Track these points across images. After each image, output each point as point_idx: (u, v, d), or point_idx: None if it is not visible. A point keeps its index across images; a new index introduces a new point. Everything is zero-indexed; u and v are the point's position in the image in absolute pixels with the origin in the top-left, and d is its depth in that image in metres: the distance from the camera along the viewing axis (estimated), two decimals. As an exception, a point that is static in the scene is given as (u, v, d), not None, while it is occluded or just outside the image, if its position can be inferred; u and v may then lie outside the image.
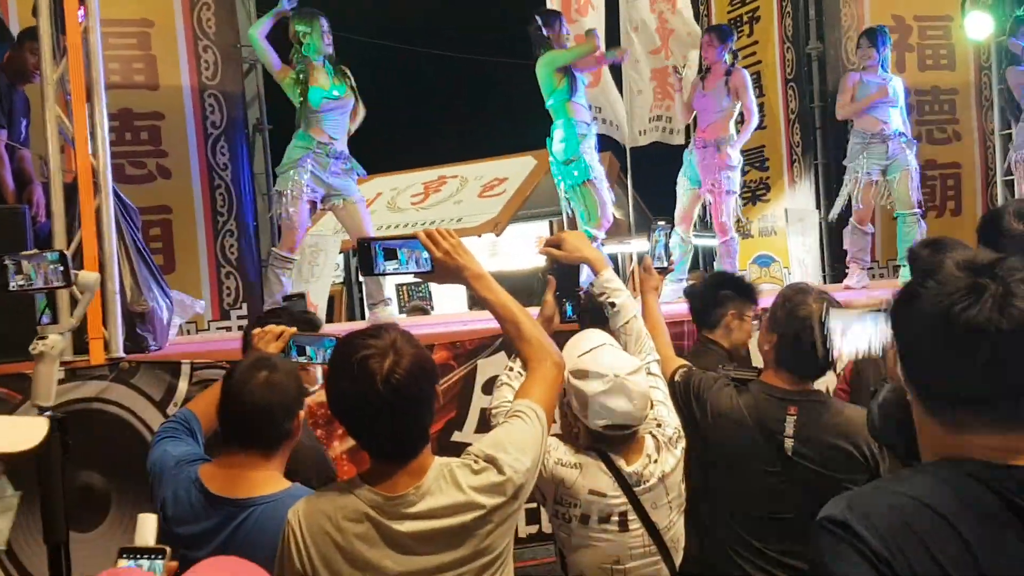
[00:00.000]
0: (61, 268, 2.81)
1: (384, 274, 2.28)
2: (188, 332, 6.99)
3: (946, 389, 1.30)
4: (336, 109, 5.87)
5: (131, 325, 4.53)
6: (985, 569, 1.22)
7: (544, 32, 6.18)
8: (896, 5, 8.77)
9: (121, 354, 4.42)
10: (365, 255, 2.25)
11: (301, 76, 5.79)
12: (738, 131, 7.03)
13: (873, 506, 1.28)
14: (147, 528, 1.91)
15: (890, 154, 6.73)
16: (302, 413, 2.50)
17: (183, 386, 4.42)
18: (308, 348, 2.84)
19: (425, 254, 2.23)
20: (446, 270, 2.23)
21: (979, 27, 7.65)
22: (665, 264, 3.23)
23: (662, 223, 3.28)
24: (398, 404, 1.93)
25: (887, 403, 2.39)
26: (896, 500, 1.28)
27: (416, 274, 2.29)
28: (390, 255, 2.24)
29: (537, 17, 6.27)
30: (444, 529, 1.96)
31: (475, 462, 2.03)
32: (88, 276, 3.32)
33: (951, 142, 9.17)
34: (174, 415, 2.84)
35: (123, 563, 1.75)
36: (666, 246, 3.26)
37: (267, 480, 2.36)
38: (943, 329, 1.26)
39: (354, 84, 6.02)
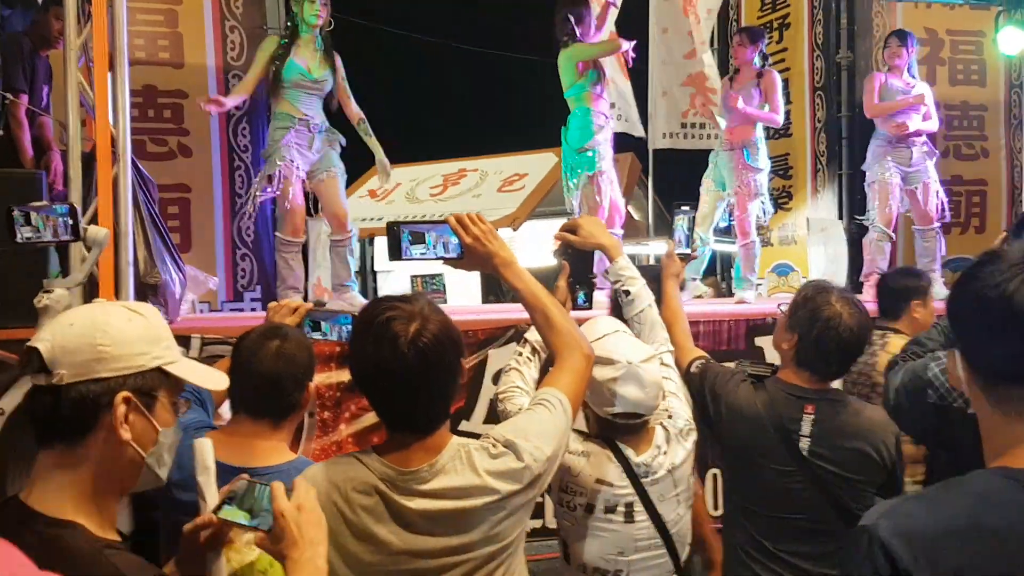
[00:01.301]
0: (71, 222, 2.77)
1: (412, 259, 2.23)
2: (201, 311, 6.97)
3: (1007, 368, 1.25)
4: (309, 90, 5.82)
5: (142, 297, 4.50)
6: None
7: (576, 28, 6.11)
8: (929, 18, 8.67)
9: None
10: (393, 239, 2.21)
11: (282, 44, 5.75)
12: (765, 136, 6.96)
13: (910, 516, 1.24)
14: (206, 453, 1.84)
15: (913, 162, 6.65)
16: (312, 385, 2.46)
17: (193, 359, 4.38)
18: (323, 324, 2.81)
19: (454, 240, 2.18)
20: (476, 256, 2.18)
21: (1012, 43, 7.54)
22: (687, 251, 3.16)
23: (686, 208, 3.20)
24: (422, 370, 1.86)
25: (903, 388, 2.34)
26: (939, 511, 1.24)
27: (445, 260, 2.23)
28: (417, 239, 2.20)
29: (570, 14, 6.18)
30: (454, 511, 1.90)
31: (494, 446, 1.97)
32: (98, 231, 3.27)
33: (978, 159, 9.06)
34: (186, 387, 2.81)
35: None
36: (690, 231, 3.19)
37: (273, 450, 2.33)
38: (1000, 304, 1.23)
39: (343, 76, 5.95)
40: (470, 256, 2.19)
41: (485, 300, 9.73)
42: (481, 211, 7.94)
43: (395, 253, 2.21)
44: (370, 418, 4.51)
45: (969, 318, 1.30)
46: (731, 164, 6.58)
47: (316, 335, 2.80)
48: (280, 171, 5.66)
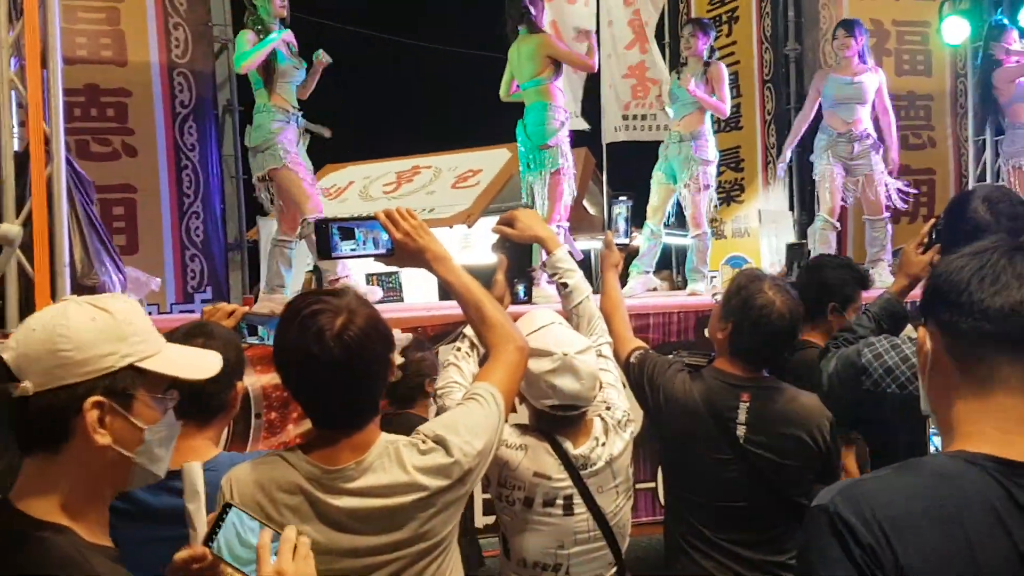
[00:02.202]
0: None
1: (342, 257, 2.19)
2: (150, 313, 6.87)
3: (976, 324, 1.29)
4: (294, 81, 5.78)
5: (81, 299, 4.40)
6: (982, 566, 1.18)
7: (532, 13, 6.06)
8: (875, 9, 8.76)
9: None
10: (322, 237, 2.16)
11: (261, 38, 5.67)
12: (715, 128, 6.98)
13: (868, 494, 1.25)
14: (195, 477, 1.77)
15: (855, 154, 6.72)
16: (240, 384, 2.41)
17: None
18: (260, 327, 2.77)
19: (384, 236, 2.14)
20: (406, 252, 2.15)
21: (956, 32, 7.65)
22: (626, 240, 3.15)
23: (623, 198, 3.20)
24: (348, 364, 1.83)
25: (836, 374, 2.35)
26: (896, 489, 1.25)
27: (376, 256, 2.20)
28: (347, 235, 2.16)
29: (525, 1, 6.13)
30: (382, 509, 1.87)
31: (423, 442, 1.94)
32: (9, 229, 3.17)
33: (926, 148, 9.17)
34: None
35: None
36: (627, 220, 3.18)
37: (195, 450, 2.28)
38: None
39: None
40: (401, 252, 2.16)
41: (442, 297, 9.70)
42: (436, 207, 7.89)
43: (324, 251, 2.18)
44: (318, 418, 4.47)
45: (947, 272, 1.34)
46: (681, 156, 6.59)
47: (253, 339, 2.76)
48: (286, 165, 5.57)
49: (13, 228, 3.19)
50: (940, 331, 1.35)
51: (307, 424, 4.61)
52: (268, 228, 7.32)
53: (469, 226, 9.68)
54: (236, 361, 2.40)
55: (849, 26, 6.84)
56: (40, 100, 4.22)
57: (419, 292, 8.73)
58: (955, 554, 1.19)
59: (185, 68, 7.67)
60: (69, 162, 4.40)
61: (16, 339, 1.51)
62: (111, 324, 1.53)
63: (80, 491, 1.51)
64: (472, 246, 10.01)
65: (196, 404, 2.31)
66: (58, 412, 1.47)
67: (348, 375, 1.85)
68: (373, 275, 7.57)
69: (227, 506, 1.60)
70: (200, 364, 1.68)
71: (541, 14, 6.19)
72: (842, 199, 6.86)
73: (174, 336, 2.38)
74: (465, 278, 2.18)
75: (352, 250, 2.16)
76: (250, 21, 5.77)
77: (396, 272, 9.35)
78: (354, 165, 11.82)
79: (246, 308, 2.78)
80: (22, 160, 4.30)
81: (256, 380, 4.36)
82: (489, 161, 10.79)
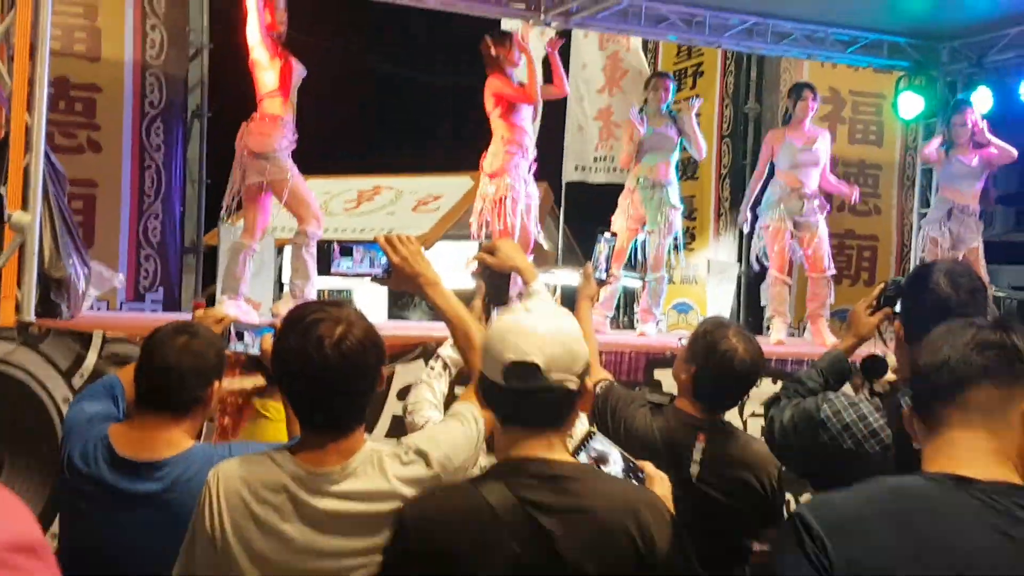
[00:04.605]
0: (-7, 206, 2.76)
1: (339, 274, 2.31)
2: (98, 309, 6.82)
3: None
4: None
5: (45, 290, 4.43)
6: (928, 563, 1.39)
7: (494, 52, 6.26)
8: (834, 77, 9.10)
9: (32, 319, 4.32)
10: (323, 255, 2.29)
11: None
12: (680, 176, 7.19)
13: (829, 500, 1.50)
14: None
15: (804, 212, 6.89)
16: (217, 383, 2.49)
17: (92, 357, 4.33)
18: (246, 335, 2.86)
19: (383, 258, 2.26)
20: (402, 276, 2.27)
21: (910, 107, 7.98)
22: (604, 276, 3.27)
23: (608, 234, 3.30)
24: (343, 372, 1.93)
25: (792, 426, 2.49)
26: (854, 498, 1.48)
27: (372, 278, 2.32)
28: (346, 253, 2.27)
29: (488, 38, 6.34)
30: (361, 514, 1.96)
31: (406, 453, 2.03)
32: (23, 216, 3.23)
33: (871, 215, 9.53)
34: (101, 380, 2.83)
35: None
36: (608, 258, 3.29)
37: (171, 441, 2.36)
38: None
39: None
40: (397, 275, 2.27)
41: (390, 316, 9.78)
42: (394, 228, 7.93)
43: (324, 268, 2.30)
44: (271, 426, 4.51)
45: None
46: (654, 201, 6.73)
47: (238, 346, 2.84)
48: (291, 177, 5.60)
49: (26, 216, 3.24)
50: (909, 398, 1.65)
51: (259, 432, 4.65)
52: (231, 233, 7.32)
53: (426, 249, 9.77)
54: (215, 361, 2.50)
55: (813, 89, 7.07)
56: (25, 91, 4.26)
57: (370, 311, 8.81)
58: (902, 551, 1.40)
59: (158, 69, 7.70)
60: (47, 154, 4.43)
61: None
62: None
63: None
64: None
65: (173, 397, 2.40)
66: None
67: (342, 382, 1.95)
68: (323, 291, 7.62)
69: None
70: None
71: (510, 54, 6.29)
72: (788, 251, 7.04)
73: (159, 333, 2.47)
74: (455, 304, 2.30)
75: (349, 268, 2.27)
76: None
77: (348, 289, 9.41)
78: (316, 178, 11.85)
79: (235, 316, 2.86)
80: (0, 148, 4.32)
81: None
82: (451, 187, 10.93)
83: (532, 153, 6.50)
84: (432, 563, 1.80)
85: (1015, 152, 7.27)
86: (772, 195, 6.94)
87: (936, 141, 7.50)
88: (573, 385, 1.86)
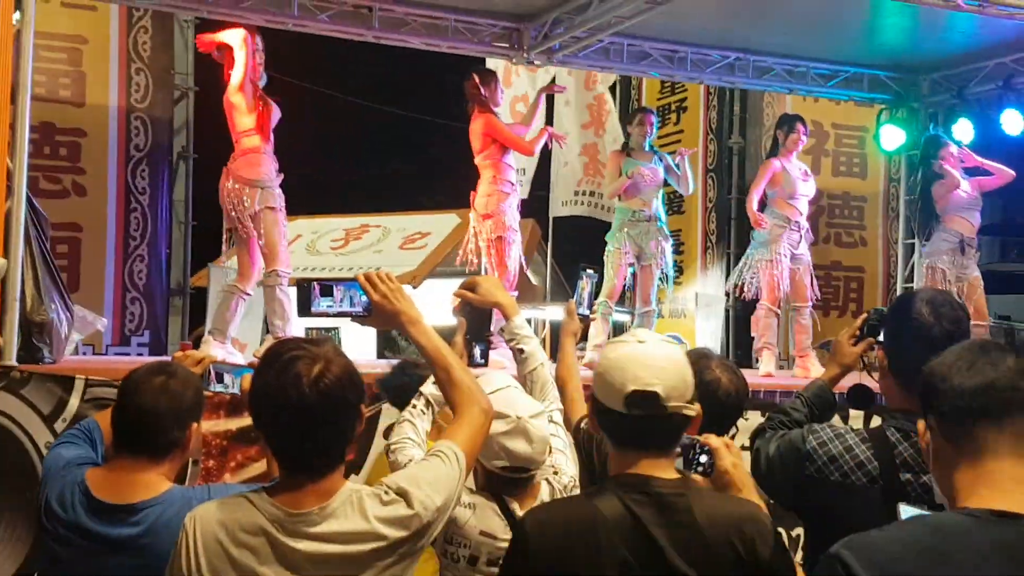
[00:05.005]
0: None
1: (320, 314, 2.28)
2: (84, 354, 6.78)
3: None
4: None
5: (27, 334, 4.40)
6: None
7: (481, 91, 6.32)
8: (816, 111, 9.18)
9: (13, 363, 4.28)
10: (303, 294, 2.26)
11: None
12: (667, 211, 7.22)
13: (869, 541, 1.43)
14: None
15: (799, 244, 6.96)
16: (195, 425, 2.46)
17: (74, 402, 4.29)
18: (226, 376, 2.84)
19: (363, 297, 2.24)
20: (384, 313, 2.24)
21: (892, 140, 8.04)
22: (587, 312, 3.26)
23: (591, 270, 3.30)
24: (321, 411, 1.90)
25: (778, 457, 2.47)
26: (895, 538, 1.43)
27: (353, 317, 2.28)
28: (326, 292, 2.25)
29: (475, 75, 6.41)
30: (341, 555, 1.93)
31: (386, 493, 2.00)
32: (1, 262, 3.21)
33: (857, 246, 9.59)
34: (79, 424, 2.80)
35: None
36: (591, 294, 3.28)
37: (148, 484, 2.33)
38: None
39: None
40: (378, 313, 2.25)
41: (380, 355, 9.73)
42: (381, 266, 7.93)
43: (305, 308, 2.26)
44: (256, 468, 4.47)
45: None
46: (649, 235, 6.75)
47: (218, 387, 2.82)
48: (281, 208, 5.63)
49: (3, 261, 3.22)
50: (934, 419, 1.56)
51: (245, 473, 4.61)
52: (219, 275, 7.30)
53: (415, 287, 9.79)
54: (193, 402, 2.47)
55: (804, 122, 7.12)
56: (7, 135, 4.26)
57: (358, 350, 8.77)
58: None
59: (143, 113, 7.73)
60: (29, 198, 4.42)
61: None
62: None
63: None
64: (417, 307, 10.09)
65: (149, 439, 2.37)
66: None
67: (321, 421, 1.93)
68: (312, 329, 7.60)
69: None
70: None
71: (494, 94, 6.38)
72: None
73: (136, 374, 2.45)
74: (436, 341, 2.28)
75: (329, 306, 2.26)
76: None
77: (336, 328, 9.37)
78: (303, 219, 11.89)
79: (215, 357, 2.84)
80: (-19, 192, 4.32)
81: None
82: (438, 225, 10.96)
83: (519, 190, 6.56)
84: (549, 564, 1.91)
85: (1012, 171, 7.35)
86: (774, 228, 6.93)
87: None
88: (690, 412, 1.99)
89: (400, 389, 2.92)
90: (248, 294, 5.74)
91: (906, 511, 1.77)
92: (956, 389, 1.52)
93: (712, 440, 2.14)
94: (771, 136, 9.16)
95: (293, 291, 5.84)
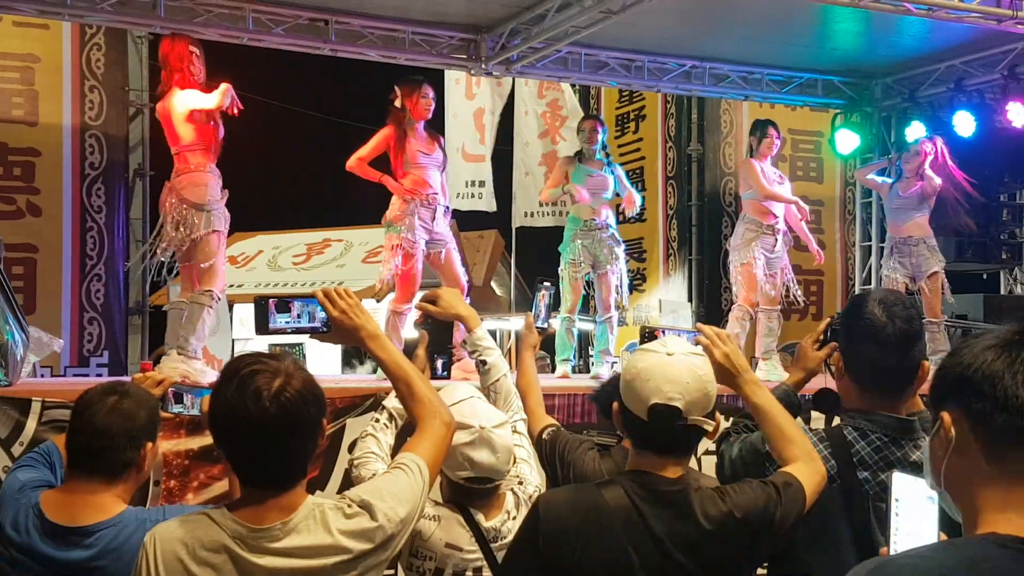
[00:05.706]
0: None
1: (278, 331, 2.25)
2: (42, 375, 6.68)
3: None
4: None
5: (-19, 357, 4.32)
6: None
7: (395, 106, 6.08)
8: (772, 117, 9.15)
9: (-33, 387, 4.20)
10: (260, 312, 2.23)
11: None
12: (618, 220, 7.21)
13: (897, 570, 1.30)
14: None
15: (776, 248, 6.96)
16: (150, 445, 2.42)
17: (31, 425, 4.22)
18: (186, 396, 2.81)
19: (321, 313, 2.22)
20: (343, 330, 2.22)
21: (846, 144, 8.15)
22: (544, 326, 3.26)
23: (547, 283, 3.30)
24: (282, 426, 1.89)
25: (740, 460, 2.49)
26: (922, 569, 1.29)
27: (312, 333, 2.26)
28: (283, 309, 2.23)
29: (397, 87, 6.13)
30: (304, 570, 1.91)
31: (349, 506, 1.99)
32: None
33: (816, 250, 9.67)
34: (37, 447, 2.74)
35: None
36: (548, 306, 3.28)
37: (103, 506, 2.29)
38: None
39: None
40: (337, 329, 2.23)
41: (343, 370, 9.68)
42: (344, 281, 7.84)
43: (262, 327, 2.23)
44: (219, 487, 4.41)
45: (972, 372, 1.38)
46: (603, 243, 6.74)
47: (178, 407, 2.79)
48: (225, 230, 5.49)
49: None
50: (970, 420, 1.38)
51: (207, 493, 4.55)
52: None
53: (378, 301, 9.74)
54: (147, 421, 2.43)
55: (776, 126, 7.09)
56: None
57: (323, 365, 8.71)
58: None
59: (98, 131, 7.64)
60: (-20, 218, 4.35)
61: None
62: None
63: None
64: (379, 320, 10.04)
65: (103, 460, 2.33)
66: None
67: (282, 436, 1.91)
68: (276, 346, 7.52)
69: None
70: None
71: (416, 104, 6.07)
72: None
73: (90, 393, 2.41)
74: (396, 355, 2.27)
75: (287, 323, 2.23)
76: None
77: (300, 344, 9.30)
78: (264, 234, 11.80)
79: (175, 378, 2.81)
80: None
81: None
82: (400, 239, 10.93)
83: (442, 200, 6.31)
84: (556, 543, 2.06)
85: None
86: (747, 233, 6.93)
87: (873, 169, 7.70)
88: (708, 427, 2.10)
89: None
90: (216, 302, 5.54)
91: (899, 478, 1.65)
92: (1011, 401, 1.33)
93: (705, 329, 2.29)
94: (728, 144, 9.31)
95: (225, 312, 5.66)
